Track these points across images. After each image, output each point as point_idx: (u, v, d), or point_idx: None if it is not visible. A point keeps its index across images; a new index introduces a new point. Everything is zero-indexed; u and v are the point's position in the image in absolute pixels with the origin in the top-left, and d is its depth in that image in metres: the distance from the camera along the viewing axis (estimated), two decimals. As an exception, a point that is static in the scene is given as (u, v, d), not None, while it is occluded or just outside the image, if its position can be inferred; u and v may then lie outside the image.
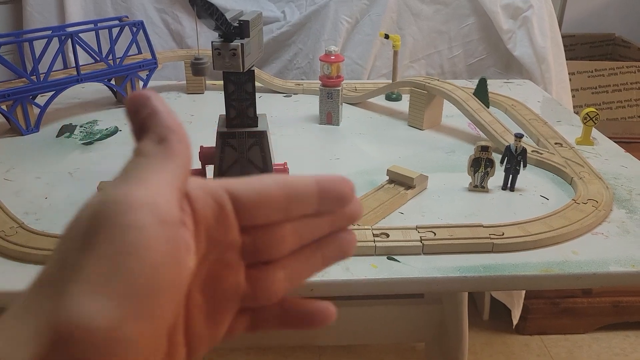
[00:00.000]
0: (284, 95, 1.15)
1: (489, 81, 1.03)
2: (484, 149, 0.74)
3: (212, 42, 0.59)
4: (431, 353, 1.30)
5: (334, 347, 1.50)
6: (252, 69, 0.63)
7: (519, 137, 0.75)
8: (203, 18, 0.56)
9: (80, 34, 0.97)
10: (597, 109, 0.90)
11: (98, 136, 0.94)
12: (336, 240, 0.27)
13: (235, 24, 0.60)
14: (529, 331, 1.56)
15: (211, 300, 0.24)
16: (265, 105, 1.09)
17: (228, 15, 0.59)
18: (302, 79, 1.35)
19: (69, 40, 0.96)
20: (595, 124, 0.90)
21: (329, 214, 0.26)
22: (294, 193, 0.25)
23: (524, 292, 1.47)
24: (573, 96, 1.45)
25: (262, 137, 0.64)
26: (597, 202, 0.71)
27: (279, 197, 0.24)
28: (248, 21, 0.60)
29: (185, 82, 1.17)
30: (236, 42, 0.59)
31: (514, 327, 1.54)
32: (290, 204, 0.25)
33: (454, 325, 1.17)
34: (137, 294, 0.19)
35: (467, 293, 1.20)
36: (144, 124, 0.23)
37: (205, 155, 0.68)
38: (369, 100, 1.11)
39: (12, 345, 0.19)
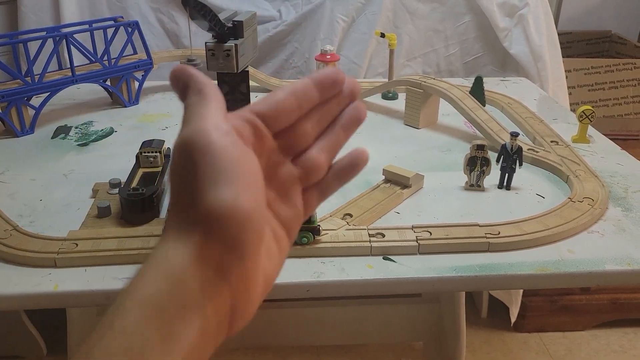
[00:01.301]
0: (280, 94, 1.15)
1: (485, 79, 1.03)
2: (480, 147, 0.74)
3: (205, 43, 0.59)
4: (429, 352, 1.30)
5: (333, 347, 1.50)
6: (247, 69, 0.63)
7: (514, 135, 0.75)
8: (196, 19, 0.56)
9: (75, 35, 0.97)
10: (593, 107, 0.90)
11: (93, 137, 0.94)
12: (347, 112, 0.34)
13: (229, 25, 0.59)
14: (527, 329, 1.56)
15: (279, 191, 0.33)
16: (261, 105, 1.08)
17: (222, 16, 0.59)
18: (299, 78, 1.35)
19: (64, 41, 0.95)
20: (591, 121, 0.90)
21: (332, 98, 0.34)
22: (299, 93, 0.32)
23: (522, 289, 1.47)
24: (569, 94, 1.45)
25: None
26: (593, 200, 0.71)
27: (289, 101, 0.32)
28: (242, 21, 0.60)
29: (181, 82, 1.16)
30: (230, 43, 0.59)
31: (512, 324, 1.54)
32: (299, 102, 0.32)
33: (452, 323, 1.17)
34: (237, 179, 0.27)
35: (464, 292, 1.20)
36: (185, 86, 0.31)
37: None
38: (365, 99, 1.11)
39: (176, 245, 0.27)
